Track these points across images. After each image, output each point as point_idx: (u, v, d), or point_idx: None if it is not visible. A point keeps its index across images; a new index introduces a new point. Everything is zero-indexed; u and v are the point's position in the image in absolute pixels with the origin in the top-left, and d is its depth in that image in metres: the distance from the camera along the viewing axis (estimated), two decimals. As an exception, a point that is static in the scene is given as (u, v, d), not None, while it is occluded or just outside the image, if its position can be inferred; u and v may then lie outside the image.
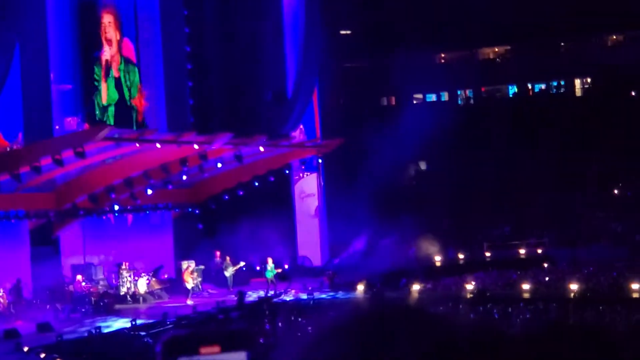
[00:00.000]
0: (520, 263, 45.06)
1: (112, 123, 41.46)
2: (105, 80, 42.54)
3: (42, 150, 32.32)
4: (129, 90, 43.62)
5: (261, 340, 24.59)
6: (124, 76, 43.48)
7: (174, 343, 2.83)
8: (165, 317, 33.16)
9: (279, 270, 41.82)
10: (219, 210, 45.34)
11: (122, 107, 43.22)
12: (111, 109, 42.54)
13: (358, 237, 47.67)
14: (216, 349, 2.84)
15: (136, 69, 44.19)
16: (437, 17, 61.72)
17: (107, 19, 42.93)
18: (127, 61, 43.72)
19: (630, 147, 56.22)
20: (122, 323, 32.85)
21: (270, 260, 41.07)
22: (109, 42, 42.93)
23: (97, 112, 41.95)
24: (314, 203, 49.55)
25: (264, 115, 47.02)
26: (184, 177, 38.78)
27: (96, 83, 42.16)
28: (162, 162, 35.87)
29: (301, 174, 47.83)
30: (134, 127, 42.35)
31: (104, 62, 42.65)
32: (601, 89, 63.36)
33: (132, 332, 31.08)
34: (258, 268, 43.77)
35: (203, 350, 2.83)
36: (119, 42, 43.42)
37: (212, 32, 47.91)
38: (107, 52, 42.87)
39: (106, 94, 42.51)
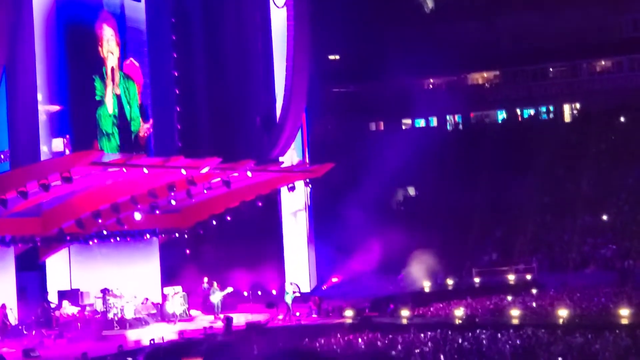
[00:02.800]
0: (509, 289, 44.95)
1: (117, 137, 41.67)
2: (109, 90, 42.52)
3: (29, 175, 32.08)
4: (129, 105, 43.55)
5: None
6: (124, 92, 43.39)
7: (157, 354, 2.70)
8: (152, 343, 32.90)
9: (298, 294, 41.67)
10: (206, 236, 45.13)
11: (124, 122, 43.15)
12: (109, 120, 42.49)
13: (347, 264, 47.54)
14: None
15: (135, 86, 44.04)
16: (425, 42, 61.85)
17: (109, 33, 42.87)
18: (126, 78, 43.62)
19: (619, 173, 56.30)
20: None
21: (287, 285, 41.09)
22: (109, 56, 42.88)
23: (103, 123, 41.87)
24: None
25: (253, 140, 46.94)
26: (173, 202, 38.57)
27: (98, 98, 42.03)
28: (149, 187, 35.66)
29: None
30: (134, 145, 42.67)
31: (109, 74, 42.56)
32: (590, 114, 63.48)
33: (119, 358, 30.83)
34: (246, 294, 43.55)
35: None
36: (120, 59, 43.36)
37: (200, 57, 47.89)
38: (109, 65, 42.78)
39: (111, 105, 42.49)
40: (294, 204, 49.39)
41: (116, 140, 42.64)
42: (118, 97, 42.91)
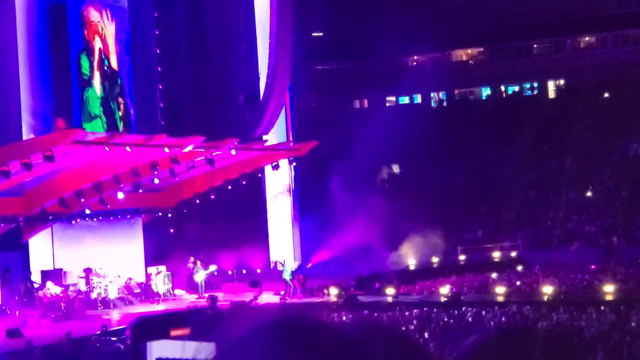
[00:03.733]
0: (494, 266, 44.94)
1: (103, 118, 41.46)
2: (96, 72, 42.21)
3: (11, 154, 31.82)
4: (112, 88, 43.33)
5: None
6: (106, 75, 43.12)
7: (143, 326, 2.54)
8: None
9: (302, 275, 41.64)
10: (190, 215, 44.97)
11: (107, 104, 42.89)
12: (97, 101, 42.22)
13: (331, 242, 47.45)
14: (186, 331, 2.55)
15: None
16: (409, 19, 61.57)
17: (95, 17, 42.52)
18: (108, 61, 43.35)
19: (604, 149, 56.34)
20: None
21: (287, 261, 41.08)
22: (95, 37, 42.54)
23: (91, 105, 41.56)
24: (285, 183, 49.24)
25: (236, 119, 46.73)
26: (156, 181, 38.35)
27: (85, 77, 41.70)
28: (132, 165, 35.44)
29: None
30: (119, 124, 42.31)
31: (97, 56, 42.22)
32: (574, 91, 63.44)
33: (102, 338, 30.71)
34: (230, 272, 43.45)
35: (173, 332, 2.55)
36: (103, 39, 43.05)
37: (183, 34, 47.58)
38: (96, 45, 42.42)
39: (99, 87, 42.18)
40: (278, 182, 49.26)
41: (103, 121, 42.39)
42: (105, 76, 42.63)
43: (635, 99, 59.34)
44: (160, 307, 37.63)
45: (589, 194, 54.63)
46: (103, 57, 42.78)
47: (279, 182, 49.21)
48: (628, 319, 28.36)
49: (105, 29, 43.06)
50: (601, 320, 28.22)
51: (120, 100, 43.77)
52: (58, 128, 36.60)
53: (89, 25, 42.27)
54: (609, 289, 34.73)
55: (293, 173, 49.43)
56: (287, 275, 40.34)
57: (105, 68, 42.94)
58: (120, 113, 43.58)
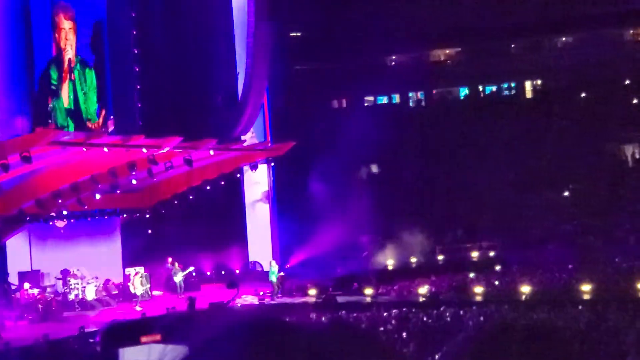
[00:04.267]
0: (473, 266, 45.06)
1: (72, 128, 40.93)
2: (66, 83, 41.82)
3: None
4: (85, 95, 42.89)
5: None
6: (79, 79, 42.72)
7: (114, 332, 2.55)
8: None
9: (282, 274, 41.50)
10: (169, 215, 44.84)
11: (77, 111, 42.51)
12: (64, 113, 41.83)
13: (310, 242, 47.43)
14: (157, 337, 2.57)
15: (93, 73, 43.40)
16: (388, 19, 61.64)
17: (67, 25, 42.13)
18: (83, 64, 42.95)
19: (581, 149, 56.55)
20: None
21: (274, 263, 41.07)
22: (67, 45, 42.15)
23: (58, 116, 41.18)
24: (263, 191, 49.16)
25: (214, 119, 46.63)
26: (134, 182, 38.24)
27: (53, 87, 41.38)
28: (110, 166, 35.32)
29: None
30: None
31: (65, 65, 41.86)
32: (552, 91, 63.64)
33: (80, 339, 30.60)
34: (209, 273, 43.36)
35: (144, 339, 2.56)
36: (76, 46, 42.69)
37: (161, 34, 47.41)
38: (66, 55, 42.06)
39: (67, 97, 41.83)
40: (257, 182, 49.19)
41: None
42: (74, 86, 42.26)
43: (612, 98, 59.62)
44: (138, 308, 37.49)
45: (566, 193, 54.85)
46: (74, 65, 42.31)
47: (257, 182, 49.13)
48: (605, 318, 28.50)
49: (75, 33, 42.64)
50: (578, 319, 28.35)
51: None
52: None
53: (59, 31, 41.84)
54: (586, 288, 34.89)
55: (271, 173, 49.36)
56: (273, 277, 40.34)
57: (76, 76, 42.44)
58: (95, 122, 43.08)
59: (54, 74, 41.34)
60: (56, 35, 41.66)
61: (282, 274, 41.49)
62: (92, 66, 43.32)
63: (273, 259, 47.49)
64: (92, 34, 43.51)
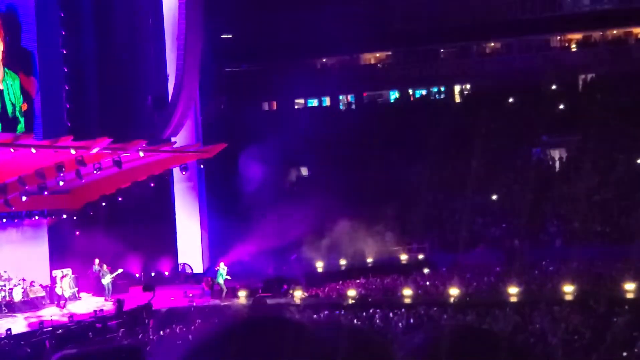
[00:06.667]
0: (402, 268, 45.37)
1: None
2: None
3: None
4: (12, 104, 42.27)
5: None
6: (6, 86, 42.08)
7: None
8: (42, 326, 32.37)
9: (228, 277, 41.25)
10: (97, 217, 44.44)
11: (6, 118, 41.88)
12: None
13: (240, 244, 47.37)
14: None
15: (18, 78, 42.79)
16: (318, 22, 61.81)
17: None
18: (10, 64, 42.33)
19: (508, 153, 57.26)
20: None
21: (222, 265, 40.90)
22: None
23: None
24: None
25: (144, 120, 46.34)
26: (61, 183, 37.80)
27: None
28: (37, 167, 34.89)
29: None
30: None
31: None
32: (480, 95, 64.34)
33: (9, 342, 30.26)
34: (137, 275, 43.08)
35: None
36: (3, 46, 42.07)
37: (90, 35, 46.99)
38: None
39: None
40: (187, 184, 48.99)
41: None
42: (1, 93, 41.66)
43: (538, 104, 60.46)
44: (65, 310, 37.10)
45: (494, 197, 55.47)
46: (2, 71, 41.65)
47: (187, 184, 48.94)
48: (531, 320, 28.91)
49: (2, 33, 42.03)
50: (506, 321, 28.71)
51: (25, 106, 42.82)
52: None
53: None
54: (513, 291, 35.34)
55: (201, 175, 49.20)
56: (221, 279, 40.28)
57: (3, 76, 41.82)
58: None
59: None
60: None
61: (228, 277, 41.26)
62: (20, 66, 42.78)
63: (202, 261, 47.44)
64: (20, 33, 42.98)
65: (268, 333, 1.99)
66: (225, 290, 40.16)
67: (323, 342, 1.97)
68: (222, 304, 38.54)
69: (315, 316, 32.03)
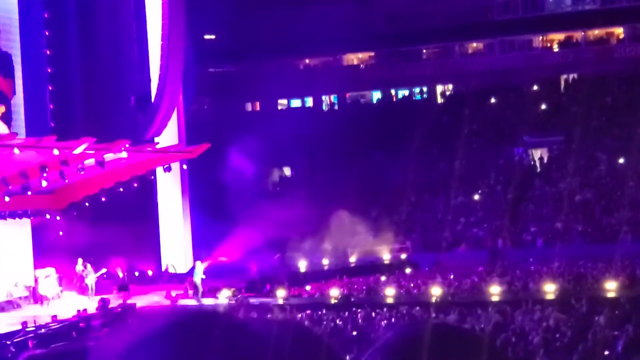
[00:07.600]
0: (384, 268, 45.51)
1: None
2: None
3: None
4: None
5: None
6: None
7: None
8: (25, 326, 32.40)
9: (203, 277, 41.24)
10: (80, 217, 44.43)
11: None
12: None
13: (223, 244, 47.47)
14: None
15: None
16: (301, 23, 61.98)
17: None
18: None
19: (491, 153, 57.53)
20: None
21: (198, 264, 40.90)
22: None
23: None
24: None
25: (128, 120, 46.35)
26: (44, 183, 37.79)
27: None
28: (20, 168, 34.88)
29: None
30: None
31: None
32: (462, 95, 64.60)
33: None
34: (121, 275, 43.11)
35: None
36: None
37: (73, 35, 46.97)
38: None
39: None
40: (170, 184, 49.02)
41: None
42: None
43: (520, 104, 60.76)
44: (49, 310, 37.11)
45: (476, 197, 55.70)
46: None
47: (170, 184, 48.96)
48: (513, 319, 29.10)
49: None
50: (488, 320, 28.90)
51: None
52: None
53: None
54: (495, 290, 35.54)
55: (185, 175, 49.23)
56: (197, 279, 40.31)
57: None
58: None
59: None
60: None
61: (204, 276, 41.29)
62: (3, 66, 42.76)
63: (186, 261, 47.52)
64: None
65: (195, 330, 2.02)
66: (201, 289, 40.15)
67: (255, 338, 2.03)
68: (198, 303, 38.65)
69: (299, 315, 32.18)
